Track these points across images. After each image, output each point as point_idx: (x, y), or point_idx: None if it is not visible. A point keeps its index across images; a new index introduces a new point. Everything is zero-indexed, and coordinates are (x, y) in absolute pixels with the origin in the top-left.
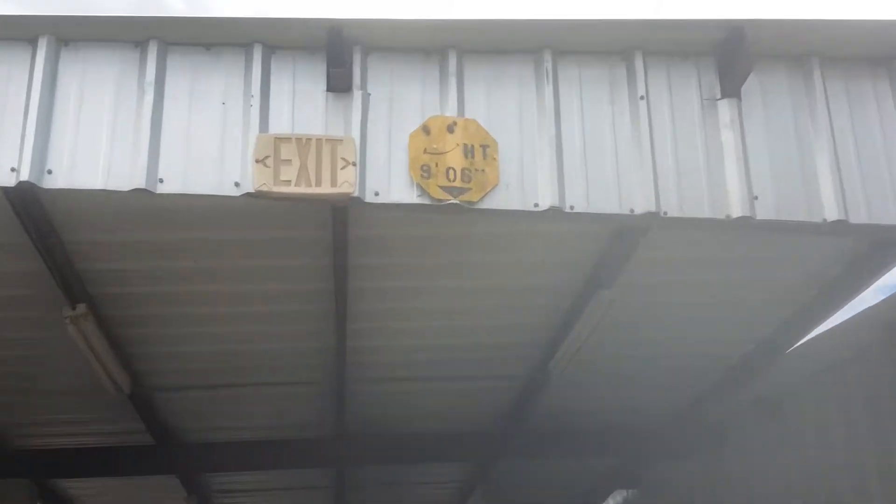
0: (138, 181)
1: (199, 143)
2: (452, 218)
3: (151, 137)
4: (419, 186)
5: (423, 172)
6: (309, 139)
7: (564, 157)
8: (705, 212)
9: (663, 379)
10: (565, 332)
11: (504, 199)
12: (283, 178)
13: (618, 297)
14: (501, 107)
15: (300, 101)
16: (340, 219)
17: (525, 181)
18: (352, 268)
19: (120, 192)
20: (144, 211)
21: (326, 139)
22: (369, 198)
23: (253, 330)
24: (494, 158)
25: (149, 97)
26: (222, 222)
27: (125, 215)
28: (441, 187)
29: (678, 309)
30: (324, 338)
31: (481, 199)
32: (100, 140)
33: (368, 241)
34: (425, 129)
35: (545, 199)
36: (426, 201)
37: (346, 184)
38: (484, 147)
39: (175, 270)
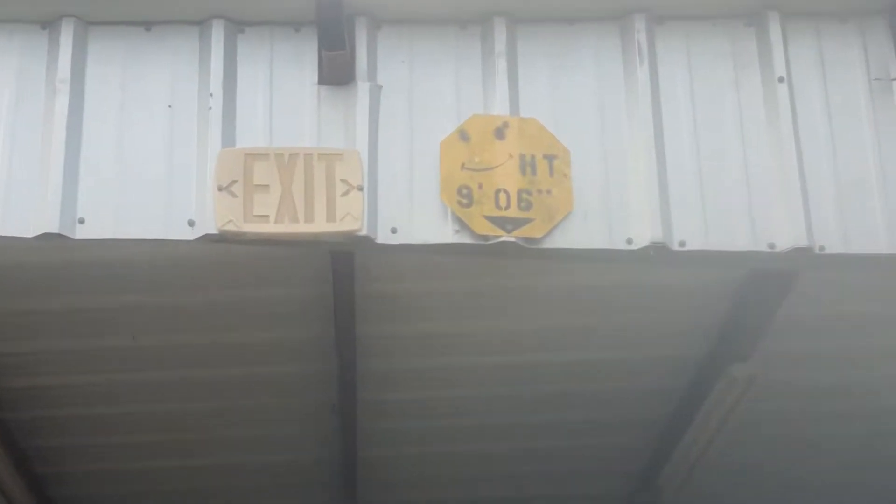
0: (47, 223)
1: (136, 166)
2: (506, 265)
3: (66, 159)
4: (456, 218)
5: (461, 198)
6: (294, 154)
7: (669, 171)
8: (881, 246)
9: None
10: (681, 429)
11: (582, 233)
12: (257, 211)
13: (759, 372)
14: (573, 99)
15: (280, 101)
16: (342, 271)
17: (612, 207)
18: (361, 343)
19: (21, 239)
20: (58, 268)
21: (319, 154)
22: (383, 237)
23: (224, 461)
24: (566, 175)
25: (62, 101)
26: (170, 282)
27: (30, 275)
28: (489, 218)
29: (850, 390)
30: (322, 470)
31: (548, 233)
32: None
33: (384, 302)
34: (463, 135)
35: (642, 232)
36: (467, 239)
37: (349, 217)
38: (550, 158)
39: (105, 356)
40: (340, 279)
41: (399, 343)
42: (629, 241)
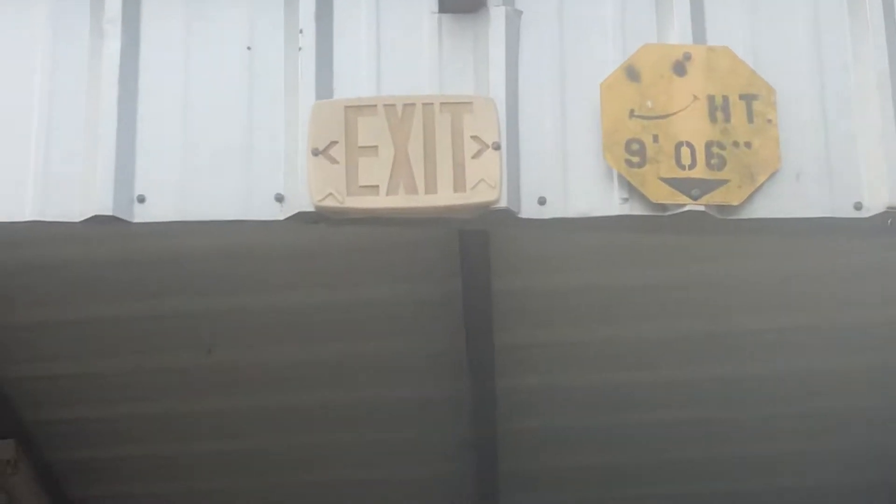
0: (99, 204)
1: (206, 127)
2: (696, 243)
3: (120, 121)
4: (625, 182)
5: (630, 156)
6: (409, 105)
7: None
8: None
9: None
10: None
11: (794, 197)
12: (364, 181)
13: None
14: (779, 21)
15: (390, 36)
16: (476, 255)
17: (834, 163)
18: (502, 357)
19: (64, 225)
20: (110, 264)
21: (442, 103)
22: (529, 209)
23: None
24: (770, 121)
25: (111, 47)
26: (255, 274)
27: (75, 274)
28: (668, 181)
29: None
30: None
31: (749, 198)
32: (26, 133)
33: (530, 298)
34: (631, 73)
35: (877, 194)
36: (640, 210)
37: (482, 185)
38: (748, 99)
39: (172, 371)
40: (473, 269)
41: (550, 354)
42: (858, 207)
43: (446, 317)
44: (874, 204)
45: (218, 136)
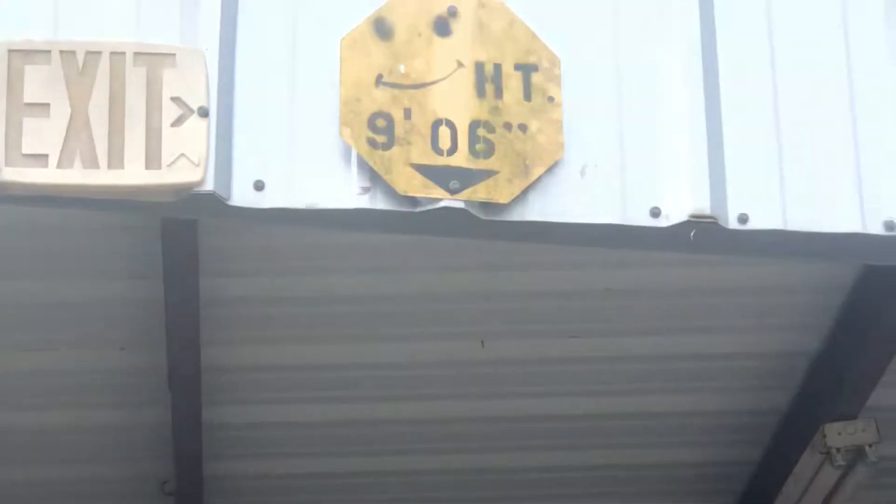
0: None
1: None
2: (452, 246)
3: None
4: (366, 167)
5: (374, 133)
6: (94, 52)
7: (724, 106)
8: None
9: None
10: None
11: (579, 198)
12: (28, 148)
13: None
14: None
15: None
16: (181, 251)
17: (628, 157)
18: (206, 372)
19: None
20: None
21: (137, 52)
22: (242, 196)
23: None
24: (553, 99)
25: None
26: None
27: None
28: (420, 168)
29: None
30: None
31: (522, 195)
32: None
33: (246, 306)
34: (381, 27)
35: (679, 199)
36: (382, 204)
37: (183, 161)
38: (527, 70)
39: None
40: (175, 271)
41: (263, 383)
42: (655, 213)
43: (148, 323)
44: (674, 211)
45: None
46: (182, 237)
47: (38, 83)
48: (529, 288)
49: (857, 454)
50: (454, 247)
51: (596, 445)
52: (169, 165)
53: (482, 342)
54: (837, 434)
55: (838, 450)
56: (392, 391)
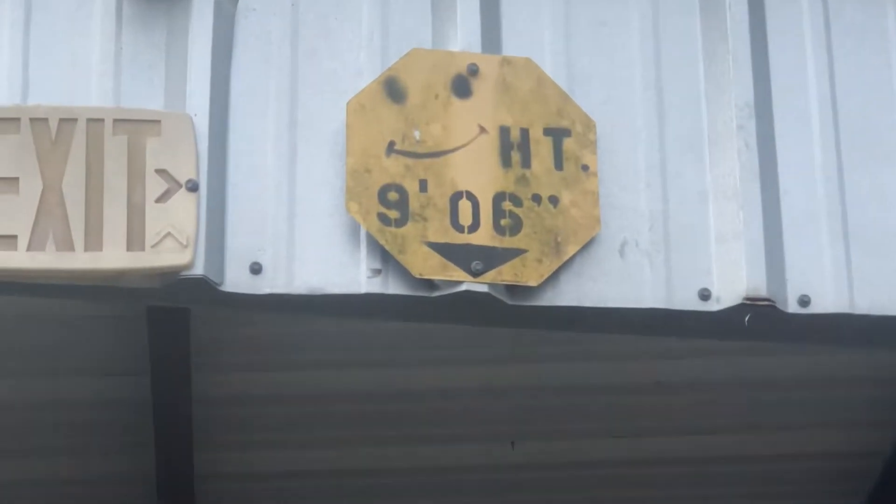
0: None
1: None
2: (476, 335)
3: None
4: (376, 247)
5: (385, 208)
6: (69, 120)
7: (783, 174)
8: None
9: None
10: None
11: (619, 279)
12: None
13: None
14: (605, 26)
15: (41, 20)
16: (169, 344)
17: (674, 232)
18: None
19: None
20: None
21: (117, 119)
22: (236, 281)
23: None
24: (588, 168)
25: None
26: None
27: None
28: (438, 248)
29: None
30: None
31: (553, 277)
32: None
33: (243, 406)
34: (392, 88)
35: (732, 280)
36: (396, 288)
37: (169, 241)
38: (558, 135)
39: None
40: (164, 372)
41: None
42: (705, 296)
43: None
44: (726, 293)
45: None
46: (172, 328)
47: (5, 155)
48: (565, 382)
49: None
50: (479, 335)
51: None
52: (153, 247)
53: (512, 443)
54: None
55: None
56: (410, 501)
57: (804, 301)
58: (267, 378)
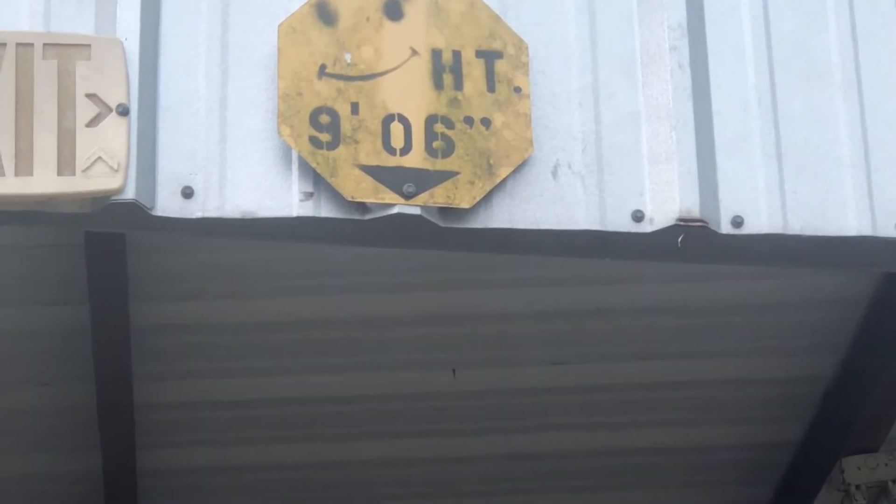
0: None
1: None
2: (408, 257)
3: None
4: (308, 170)
5: (317, 131)
6: None
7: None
8: None
9: None
10: None
11: (551, 201)
12: None
13: None
14: None
15: None
16: (107, 270)
17: (606, 153)
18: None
19: None
20: None
21: (47, 44)
22: (168, 205)
23: None
24: (520, 90)
25: None
26: None
27: None
28: (370, 170)
29: None
30: None
31: (486, 199)
32: None
33: (176, 335)
34: (324, 10)
35: (665, 201)
36: (328, 212)
37: (100, 166)
38: (490, 57)
39: None
40: (102, 302)
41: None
42: (638, 218)
43: (71, 352)
44: (659, 214)
45: None
46: (109, 256)
47: None
48: (505, 309)
49: (880, 491)
50: (411, 260)
51: (583, 488)
52: (84, 171)
53: (453, 371)
54: (857, 469)
55: (858, 487)
56: (351, 429)
57: (737, 222)
58: (204, 306)
